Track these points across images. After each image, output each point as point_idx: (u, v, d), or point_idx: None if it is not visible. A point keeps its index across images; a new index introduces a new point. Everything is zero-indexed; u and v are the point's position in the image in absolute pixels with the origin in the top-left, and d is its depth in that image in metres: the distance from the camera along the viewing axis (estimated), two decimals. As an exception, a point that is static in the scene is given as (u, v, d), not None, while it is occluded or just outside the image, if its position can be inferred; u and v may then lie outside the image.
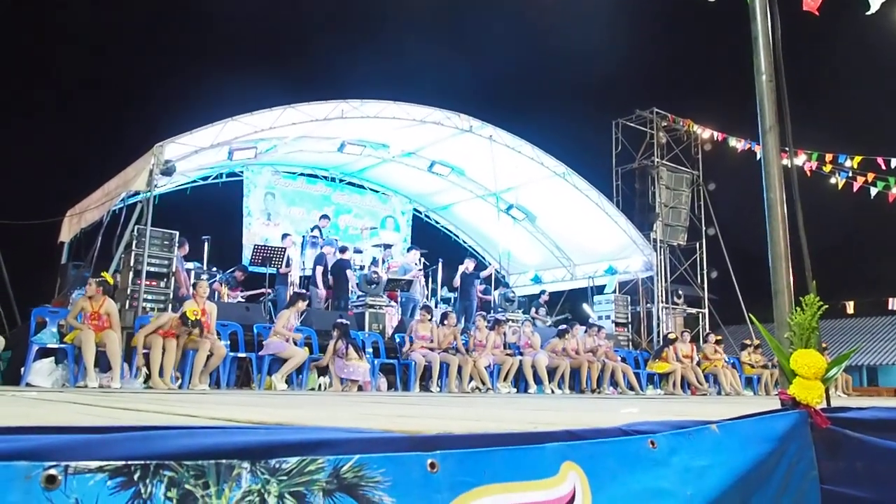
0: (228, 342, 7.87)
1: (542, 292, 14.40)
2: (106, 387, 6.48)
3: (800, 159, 13.95)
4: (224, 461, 0.89)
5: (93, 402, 3.09)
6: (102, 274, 7.84)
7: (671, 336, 11.93)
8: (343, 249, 11.34)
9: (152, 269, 8.67)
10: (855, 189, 14.17)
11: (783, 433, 1.63)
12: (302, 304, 8.42)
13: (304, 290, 8.71)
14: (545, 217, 15.51)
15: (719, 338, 12.49)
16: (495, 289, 13.35)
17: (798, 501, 1.61)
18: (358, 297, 10.44)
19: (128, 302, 8.32)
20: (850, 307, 18.73)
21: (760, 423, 1.61)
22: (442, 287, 13.03)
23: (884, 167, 13.52)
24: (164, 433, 0.90)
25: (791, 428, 1.66)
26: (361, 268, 11.71)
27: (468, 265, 12.47)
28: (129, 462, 0.82)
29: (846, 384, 13.15)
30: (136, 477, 0.82)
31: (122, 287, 8.54)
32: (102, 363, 6.82)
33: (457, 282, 12.39)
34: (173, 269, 8.94)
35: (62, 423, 1.14)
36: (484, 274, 13.28)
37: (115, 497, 0.80)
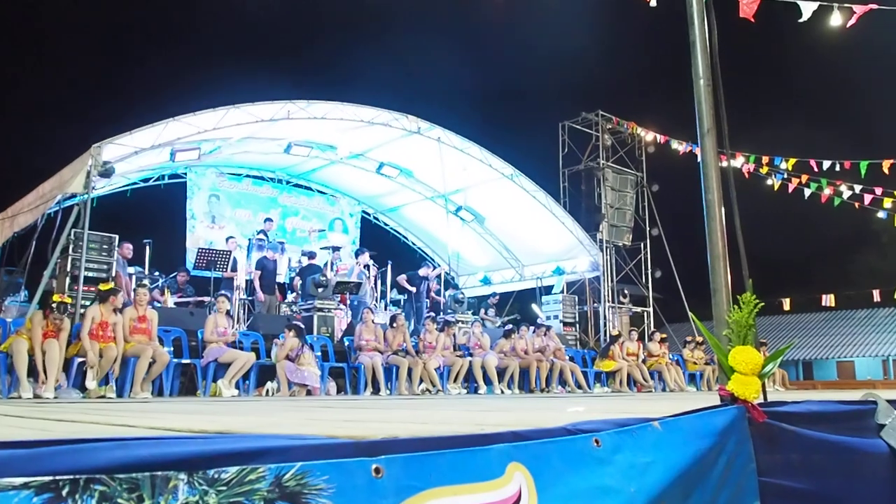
0: (172, 348, 7.66)
1: (493, 294, 14.48)
2: (40, 397, 6.24)
3: (738, 161, 14.38)
4: (160, 473, 0.86)
5: (25, 414, 2.97)
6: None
7: (616, 334, 12.16)
8: (311, 255, 11.30)
9: (90, 273, 8.39)
10: (790, 190, 14.69)
11: (722, 428, 1.67)
12: (223, 304, 8.13)
13: (224, 292, 8.50)
14: (494, 218, 15.62)
15: (664, 336, 12.79)
16: (445, 290, 13.38)
17: (737, 494, 1.66)
18: (306, 300, 10.32)
19: (65, 308, 8.01)
20: (786, 304, 19.50)
21: (700, 420, 1.65)
22: (392, 289, 12.98)
23: (816, 169, 14.05)
24: (95, 446, 0.87)
25: (730, 423, 1.70)
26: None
27: (427, 272, 12.63)
28: (58, 477, 0.79)
29: (783, 379, 13.63)
30: (64, 493, 0.79)
31: (59, 293, 8.22)
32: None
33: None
34: (113, 274, 8.67)
35: (-13, 437, 1.09)
36: (433, 274, 13.28)
37: (42, 514, 0.77)
